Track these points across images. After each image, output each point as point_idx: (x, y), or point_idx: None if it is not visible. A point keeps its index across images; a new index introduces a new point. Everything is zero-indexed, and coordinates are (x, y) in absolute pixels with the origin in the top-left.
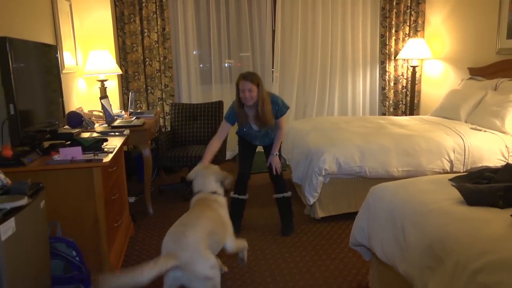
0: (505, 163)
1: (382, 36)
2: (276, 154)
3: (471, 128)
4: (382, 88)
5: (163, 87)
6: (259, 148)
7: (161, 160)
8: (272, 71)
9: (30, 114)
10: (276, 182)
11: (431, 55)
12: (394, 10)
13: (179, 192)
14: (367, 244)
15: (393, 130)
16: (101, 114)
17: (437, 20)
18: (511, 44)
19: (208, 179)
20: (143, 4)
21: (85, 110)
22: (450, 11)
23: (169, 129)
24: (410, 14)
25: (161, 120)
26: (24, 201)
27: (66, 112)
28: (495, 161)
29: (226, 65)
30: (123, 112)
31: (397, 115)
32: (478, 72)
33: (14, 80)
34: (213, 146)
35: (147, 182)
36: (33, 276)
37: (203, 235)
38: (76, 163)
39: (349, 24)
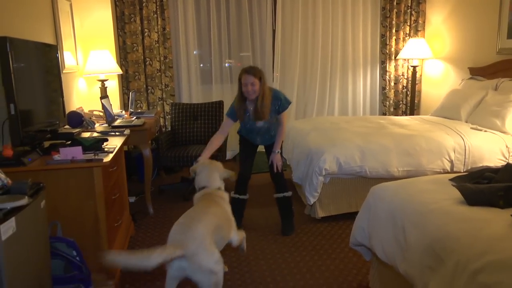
0: (506, 163)
1: (383, 36)
2: (278, 152)
3: (471, 128)
4: (383, 88)
5: (163, 87)
6: (260, 148)
7: (161, 160)
8: (273, 71)
9: (30, 114)
10: (277, 181)
11: (432, 55)
12: (395, 10)
13: (180, 192)
14: (367, 244)
15: (394, 130)
16: (101, 114)
17: (437, 20)
18: (511, 44)
19: (213, 175)
20: (144, 4)
21: (86, 110)
22: (450, 11)
23: (169, 129)
24: (411, 14)
25: (162, 120)
26: (24, 201)
27: (67, 112)
28: (496, 161)
29: (227, 65)
30: (123, 112)
31: (397, 115)
32: (478, 72)
33: (15, 80)
34: (214, 143)
35: (147, 182)
36: (33, 276)
37: (209, 229)
38: (76, 163)
39: (349, 24)
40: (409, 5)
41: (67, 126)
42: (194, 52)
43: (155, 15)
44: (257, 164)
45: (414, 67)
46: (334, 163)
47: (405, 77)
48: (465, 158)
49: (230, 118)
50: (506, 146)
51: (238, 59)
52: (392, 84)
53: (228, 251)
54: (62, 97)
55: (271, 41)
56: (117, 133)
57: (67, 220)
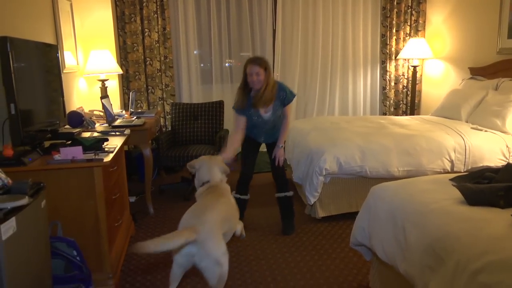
0: (506, 163)
1: (383, 35)
2: (281, 146)
3: (472, 128)
4: (383, 88)
5: (163, 87)
6: (262, 148)
7: (161, 159)
8: (273, 70)
9: (31, 113)
10: (279, 181)
11: (432, 55)
12: (395, 10)
13: (180, 191)
14: (367, 244)
15: (394, 130)
16: (101, 113)
17: (438, 20)
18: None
19: (213, 169)
20: (144, 4)
21: (86, 110)
22: (451, 10)
23: (169, 128)
24: (411, 14)
25: (162, 120)
26: (25, 200)
27: (67, 111)
28: (496, 161)
29: (227, 64)
30: (123, 111)
31: (397, 115)
32: (479, 72)
33: (15, 80)
34: (235, 144)
35: (147, 181)
36: (33, 275)
37: (219, 219)
38: (76, 162)
39: (349, 23)
40: (410, 5)
41: (67, 126)
42: (195, 52)
43: (156, 15)
44: (257, 164)
45: (415, 67)
46: (334, 163)
47: (406, 77)
48: (465, 158)
49: (238, 113)
50: (507, 146)
51: (238, 59)
52: (393, 84)
53: (228, 251)
54: (63, 97)
55: (272, 40)
56: (117, 133)
57: (67, 220)
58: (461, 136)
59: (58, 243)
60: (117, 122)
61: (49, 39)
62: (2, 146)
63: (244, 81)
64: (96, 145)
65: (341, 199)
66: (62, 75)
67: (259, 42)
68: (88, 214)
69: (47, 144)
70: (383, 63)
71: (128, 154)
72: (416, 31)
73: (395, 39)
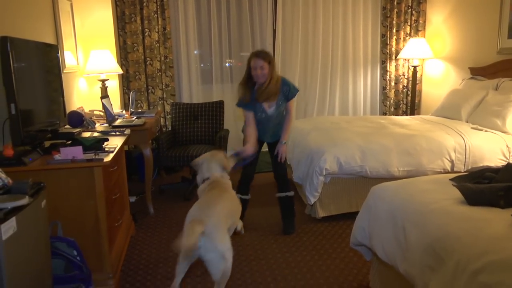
0: (506, 163)
1: (383, 35)
2: (285, 143)
3: (472, 127)
4: (383, 88)
5: (164, 87)
6: (263, 147)
7: (162, 159)
8: None
9: (31, 113)
10: (280, 180)
11: (432, 55)
12: (395, 10)
13: (180, 191)
14: (367, 243)
15: (394, 130)
16: (102, 113)
17: (438, 20)
18: None
19: (212, 164)
20: (144, 4)
21: (86, 110)
22: (451, 10)
23: (170, 128)
24: (411, 14)
25: (162, 120)
26: (25, 200)
27: (67, 111)
28: (496, 161)
29: (227, 64)
30: (124, 111)
31: (398, 115)
32: (479, 72)
33: (15, 80)
34: (252, 134)
35: (148, 181)
36: (34, 275)
37: (225, 213)
38: (77, 162)
39: (350, 23)
40: (410, 5)
41: (67, 126)
42: (195, 52)
43: (156, 15)
44: (258, 164)
45: (415, 67)
46: (334, 163)
47: (406, 77)
48: (465, 158)
49: (245, 108)
50: (507, 146)
51: (238, 59)
52: (393, 84)
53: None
54: (63, 96)
55: (272, 40)
56: (117, 133)
57: (67, 220)
58: (461, 136)
59: (58, 243)
60: (117, 122)
61: (49, 39)
62: (3, 146)
63: (247, 75)
64: (96, 145)
65: (341, 199)
66: (62, 75)
67: (259, 42)
68: (88, 214)
69: (47, 144)
70: (383, 63)
71: (128, 154)
72: (416, 31)
73: (395, 39)
